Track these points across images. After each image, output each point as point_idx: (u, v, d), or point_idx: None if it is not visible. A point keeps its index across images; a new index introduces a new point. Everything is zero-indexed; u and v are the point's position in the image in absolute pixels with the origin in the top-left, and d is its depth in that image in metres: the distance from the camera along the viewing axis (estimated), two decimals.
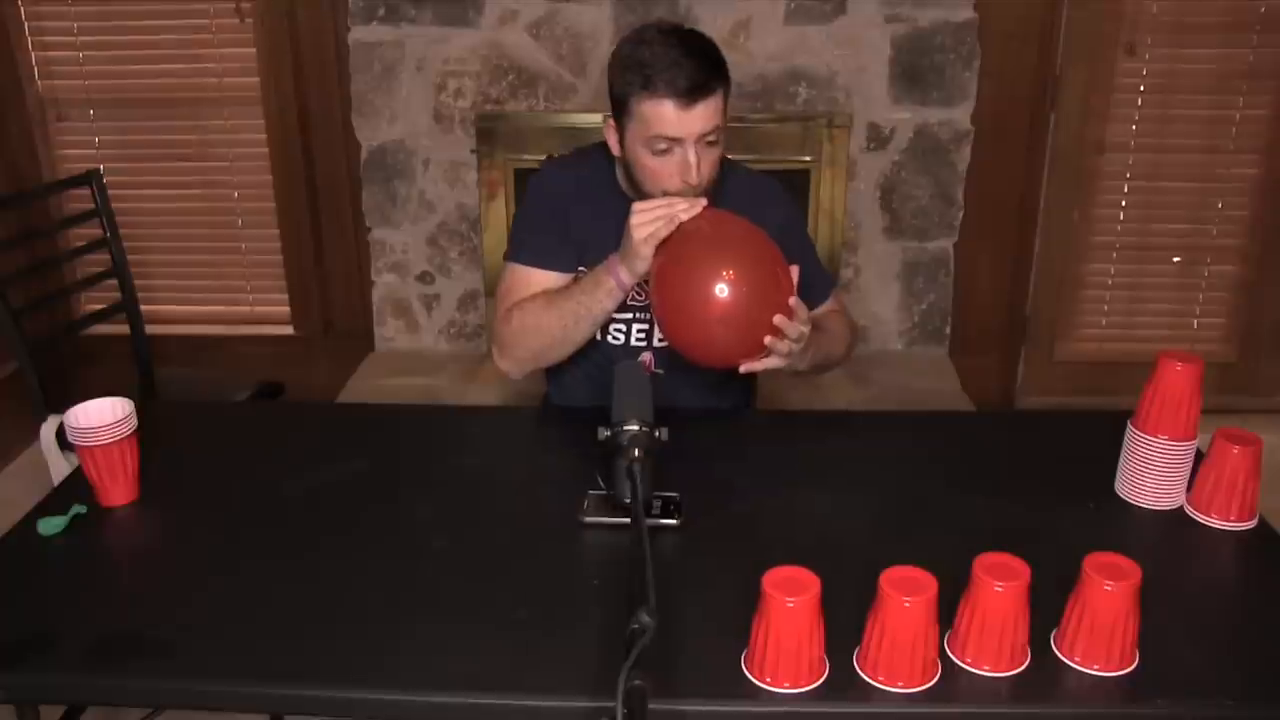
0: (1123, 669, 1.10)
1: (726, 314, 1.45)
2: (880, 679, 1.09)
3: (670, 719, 1.06)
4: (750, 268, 1.47)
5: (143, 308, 2.71)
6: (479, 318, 3.25)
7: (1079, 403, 3.22)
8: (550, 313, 1.66)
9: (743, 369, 1.51)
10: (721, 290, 1.44)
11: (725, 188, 1.69)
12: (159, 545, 1.41)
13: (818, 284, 1.78)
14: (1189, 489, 1.42)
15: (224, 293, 3.37)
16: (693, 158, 1.55)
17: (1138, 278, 3.18)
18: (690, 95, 1.52)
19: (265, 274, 3.33)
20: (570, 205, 1.72)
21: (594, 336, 1.70)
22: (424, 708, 1.11)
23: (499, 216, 3.10)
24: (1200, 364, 1.39)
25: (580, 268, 1.71)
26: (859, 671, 1.11)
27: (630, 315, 1.74)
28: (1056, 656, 1.13)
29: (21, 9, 3.08)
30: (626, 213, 1.55)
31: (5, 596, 1.26)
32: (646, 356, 1.77)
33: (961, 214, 3.08)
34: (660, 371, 1.76)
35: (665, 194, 1.57)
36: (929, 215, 3.08)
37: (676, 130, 1.54)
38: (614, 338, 1.76)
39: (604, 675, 1.04)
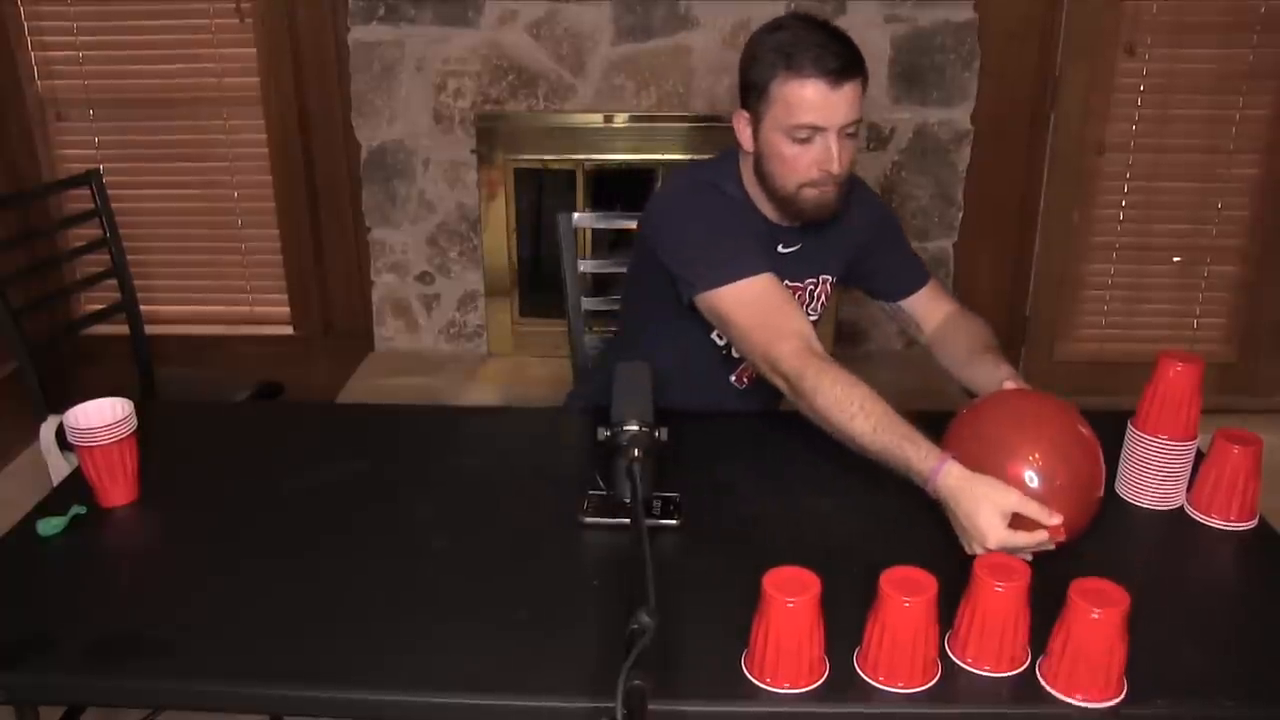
0: (1102, 693, 1.08)
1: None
2: (880, 679, 1.09)
3: (670, 719, 1.06)
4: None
5: (143, 308, 2.70)
6: (479, 318, 3.25)
7: (1079, 403, 3.20)
8: (878, 427, 1.44)
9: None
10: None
11: None
12: (159, 545, 1.41)
13: (913, 268, 1.84)
14: (1189, 489, 1.42)
15: (224, 293, 3.37)
16: (835, 146, 1.51)
17: (1138, 278, 3.18)
18: (839, 75, 1.48)
19: (265, 274, 3.33)
20: (739, 217, 1.64)
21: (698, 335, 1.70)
22: (424, 708, 1.11)
23: (499, 216, 3.10)
24: (1200, 364, 1.39)
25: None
26: (859, 672, 1.11)
27: None
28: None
29: (21, 9, 3.08)
30: (760, 225, 1.62)
31: (5, 597, 1.26)
32: (748, 365, 1.72)
33: (961, 214, 3.08)
34: (746, 383, 1.79)
35: (801, 186, 1.55)
36: (929, 215, 3.08)
37: (821, 114, 1.50)
38: (718, 337, 1.72)
39: (604, 675, 1.04)
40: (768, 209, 1.65)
